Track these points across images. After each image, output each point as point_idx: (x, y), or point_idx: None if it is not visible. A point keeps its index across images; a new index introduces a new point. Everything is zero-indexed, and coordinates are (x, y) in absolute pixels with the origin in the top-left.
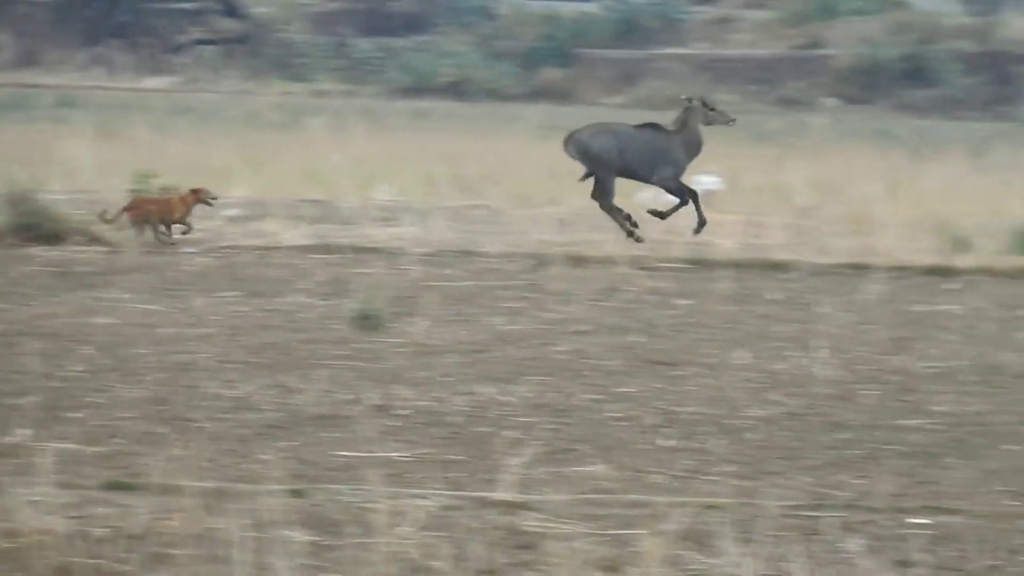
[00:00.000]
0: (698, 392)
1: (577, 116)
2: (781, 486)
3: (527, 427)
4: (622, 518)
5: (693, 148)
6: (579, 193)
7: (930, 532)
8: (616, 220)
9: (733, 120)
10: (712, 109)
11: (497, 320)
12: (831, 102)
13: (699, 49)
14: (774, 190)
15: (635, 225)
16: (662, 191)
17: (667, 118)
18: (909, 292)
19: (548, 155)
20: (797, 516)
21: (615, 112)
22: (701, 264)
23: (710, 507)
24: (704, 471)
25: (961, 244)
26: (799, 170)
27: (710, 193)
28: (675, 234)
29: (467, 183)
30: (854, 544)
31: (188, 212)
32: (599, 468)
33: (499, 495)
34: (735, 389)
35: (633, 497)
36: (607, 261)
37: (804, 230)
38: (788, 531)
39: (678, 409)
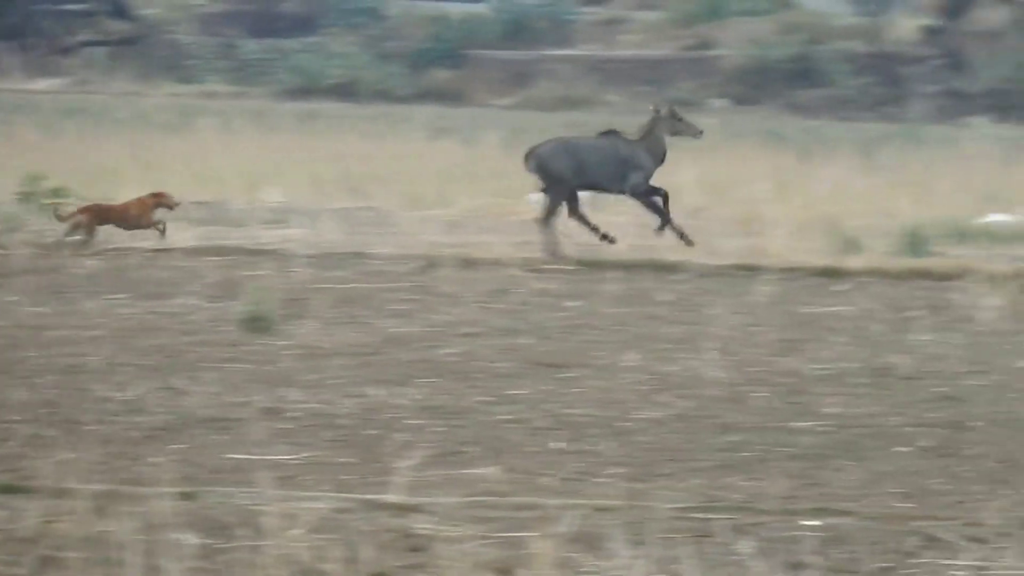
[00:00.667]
0: (588, 394)
1: (466, 117)
2: (672, 488)
3: (417, 429)
4: (513, 520)
5: (657, 156)
6: (468, 195)
7: (821, 534)
8: (546, 236)
9: (700, 132)
10: (679, 120)
11: (387, 322)
12: (720, 103)
13: (588, 50)
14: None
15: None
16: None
17: (558, 119)
18: (799, 293)
19: (437, 156)
20: (688, 518)
21: (504, 113)
22: (590, 266)
23: (601, 509)
24: (594, 473)
25: (851, 245)
26: (688, 171)
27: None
28: (563, 236)
29: (356, 184)
30: (745, 546)
31: (148, 215)
32: (489, 470)
33: (389, 497)
34: (625, 391)
35: (524, 499)
36: (496, 263)
37: (693, 231)
38: (679, 533)
39: (568, 411)
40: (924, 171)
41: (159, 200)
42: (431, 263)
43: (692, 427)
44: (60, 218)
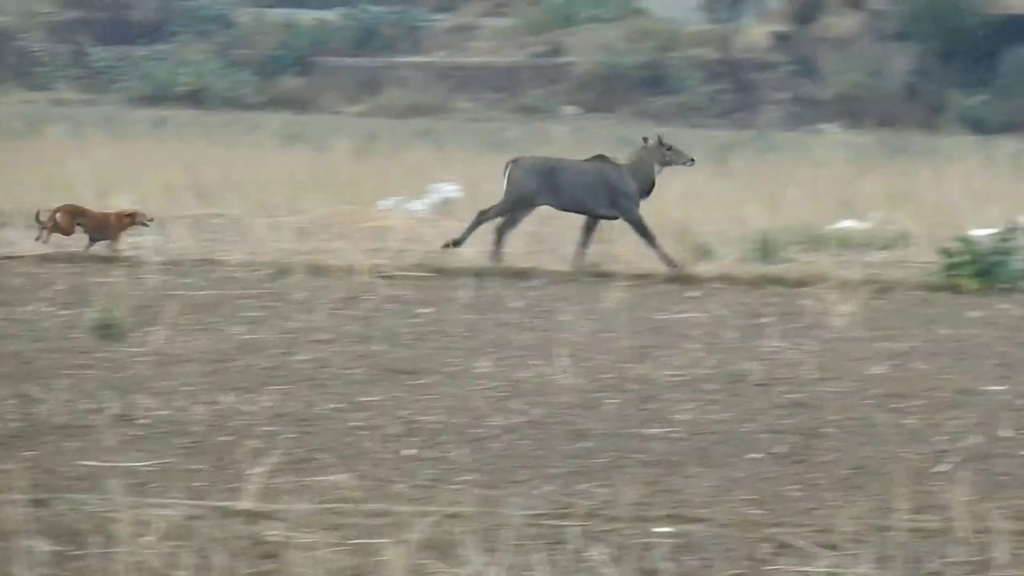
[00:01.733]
0: (440, 401)
1: (317, 124)
2: (524, 495)
3: (269, 436)
4: (365, 527)
5: (644, 185)
6: (319, 202)
7: (674, 541)
8: (469, 230)
9: (691, 160)
10: (669, 149)
11: (238, 329)
12: (571, 110)
13: (438, 57)
14: None
15: (455, 244)
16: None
17: (409, 126)
18: (651, 300)
19: (288, 163)
20: (541, 525)
21: (354, 120)
22: (442, 272)
23: (453, 516)
24: (447, 480)
25: (702, 252)
26: None
27: (449, 200)
28: (416, 243)
29: (207, 192)
30: (598, 553)
31: (123, 230)
32: (342, 477)
33: (242, 504)
34: (477, 398)
35: (376, 506)
36: (348, 270)
37: (545, 238)
38: (532, 540)
39: (420, 418)
40: (775, 178)
41: (134, 218)
42: (282, 270)
43: (545, 434)
44: (41, 222)
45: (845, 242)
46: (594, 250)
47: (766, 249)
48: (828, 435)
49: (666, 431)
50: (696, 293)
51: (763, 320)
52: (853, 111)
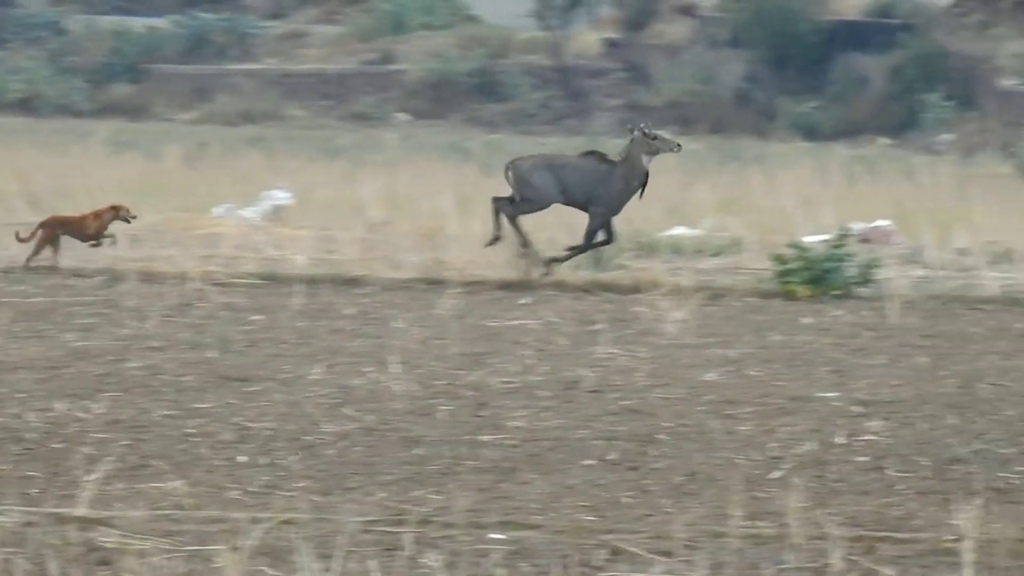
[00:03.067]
0: (273, 408)
1: (148, 132)
2: (358, 501)
3: (103, 443)
4: (199, 534)
5: (635, 178)
6: (151, 209)
7: (508, 547)
8: (498, 225)
9: (678, 147)
10: (654, 138)
11: (71, 336)
12: (403, 117)
13: (269, 64)
14: (346, 205)
15: (550, 265)
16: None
17: (240, 133)
18: (483, 307)
19: (120, 171)
20: (375, 531)
21: (186, 128)
22: (274, 279)
23: (287, 523)
24: (281, 487)
25: (535, 259)
26: (371, 185)
27: (280, 208)
28: (249, 250)
29: (38, 199)
30: (432, 559)
31: (104, 227)
32: (175, 484)
33: (76, 511)
34: (310, 405)
35: (210, 513)
36: (181, 277)
37: (377, 245)
38: (366, 547)
39: (253, 425)
40: None
41: (117, 212)
42: (115, 277)
43: (378, 440)
44: (21, 240)
45: (677, 249)
46: (432, 257)
47: (598, 256)
48: (661, 442)
49: (499, 438)
50: (528, 300)
51: (596, 327)
52: (685, 118)
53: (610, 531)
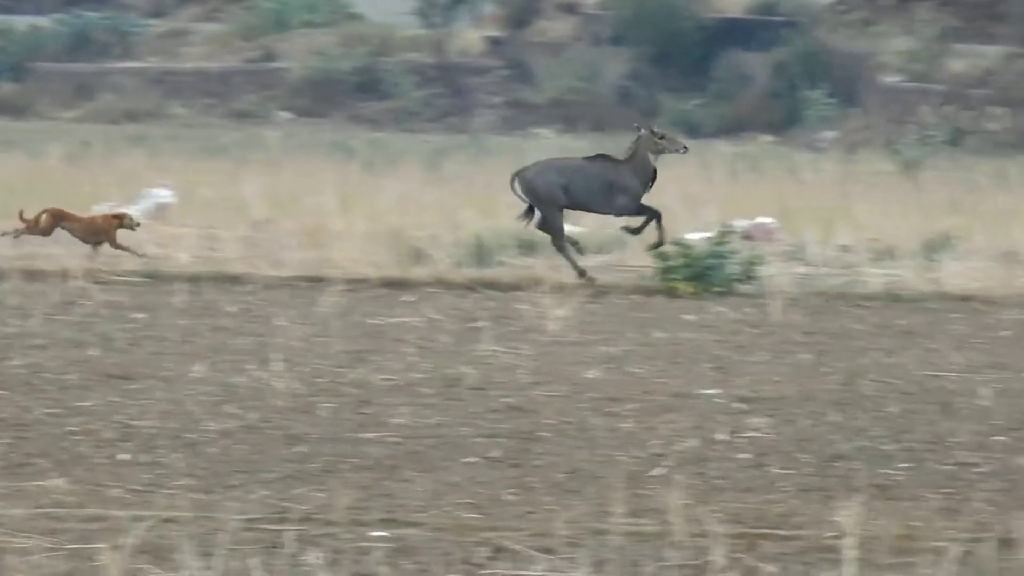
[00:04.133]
0: (155, 406)
1: (31, 130)
2: (240, 499)
3: None
4: (81, 532)
5: (644, 176)
6: (34, 208)
7: (390, 545)
8: (567, 258)
9: (685, 148)
10: (661, 138)
11: None
12: (285, 115)
13: (152, 63)
14: (228, 203)
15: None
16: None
17: (123, 131)
18: (366, 304)
19: (1, 169)
20: (257, 529)
21: (69, 126)
22: (157, 278)
23: (169, 521)
24: (163, 485)
25: (417, 256)
26: (253, 183)
27: (163, 206)
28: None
29: None
30: (314, 557)
31: (112, 235)
32: (57, 482)
33: None
34: (193, 403)
35: (92, 511)
36: (63, 275)
37: (260, 243)
38: (248, 544)
39: (136, 423)
40: (490, 182)
41: (121, 221)
42: None
43: (260, 438)
44: (24, 221)
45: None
46: (317, 255)
47: (480, 253)
48: (544, 439)
49: (382, 435)
50: (411, 297)
51: (478, 324)
52: (567, 115)
53: (492, 528)
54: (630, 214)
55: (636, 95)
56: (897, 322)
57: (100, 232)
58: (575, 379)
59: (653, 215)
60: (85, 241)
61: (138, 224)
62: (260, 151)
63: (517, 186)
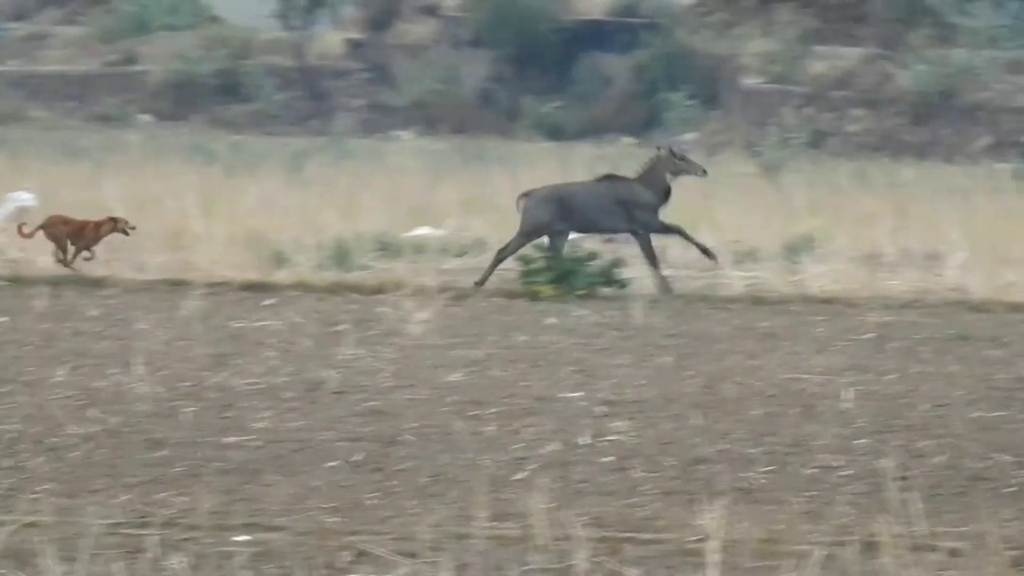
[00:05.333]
0: (17, 410)
1: None
2: (103, 504)
3: None
4: None
5: (658, 194)
6: None
7: (252, 549)
8: (490, 269)
9: (704, 172)
10: (681, 159)
11: None
12: (146, 118)
13: (12, 66)
14: (90, 206)
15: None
16: None
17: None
18: (228, 308)
19: None
20: (119, 534)
21: None
22: (16, 281)
23: (31, 525)
24: (24, 489)
25: (278, 260)
26: (114, 186)
27: (24, 210)
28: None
29: None
30: (177, 562)
31: (100, 238)
32: None
33: None
34: (54, 407)
35: None
36: None
37: (121, 246)
38: (111, 549)
39: None
40: (351, 185)
41: (115, 224)
42: None
43: (122, 443)
44: (24, 235)
45: (421, 249)
46: (178, 258)
47: (342, 256)
48: (406, 443)
49: (243, 439)
50: (272, 301)
51: (340, 328)
52: (428, 118)
53: (354, 533)
54: (655, 230)
55: (497, 97)
56: (759, 325)
57: (91, 237)
58: (437, 383)
59: (676, 231)
60: (77, 246)
61: (133, 228)
62: (121, 154)
63: (520, 204)
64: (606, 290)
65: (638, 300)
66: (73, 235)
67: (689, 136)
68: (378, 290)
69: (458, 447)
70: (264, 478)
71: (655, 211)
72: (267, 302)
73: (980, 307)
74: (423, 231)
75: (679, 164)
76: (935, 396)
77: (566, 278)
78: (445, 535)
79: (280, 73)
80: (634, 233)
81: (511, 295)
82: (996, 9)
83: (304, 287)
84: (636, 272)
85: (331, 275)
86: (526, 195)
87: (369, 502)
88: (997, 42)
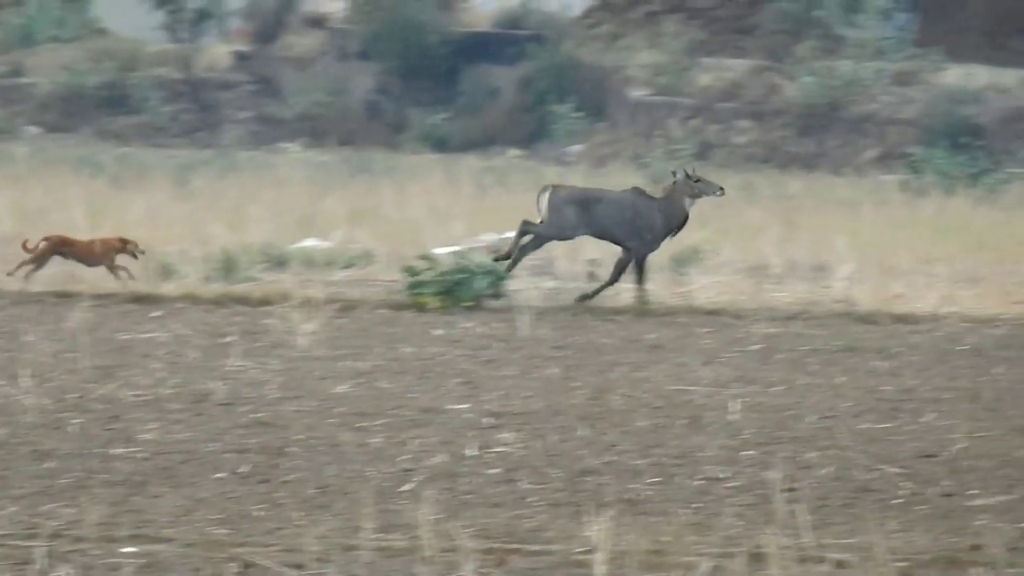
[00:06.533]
0: None
1: None
2: None
3: None
4: None
5: (671, 219)
6: None
7: (140, 561)
8: (515, 256)
9: (721, 190)
10: (697, 181)
11: None
12: (33, 130)
13: None
14: None
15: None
16: None
17: None
18: (115, 320)
19: None
20: (6, 546)
21: None
22: None
23: None
24: None
25: (165, 272)
26: (1, 198)
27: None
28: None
29: None
30: (64, 573)
31: (111, 257)
32: None
33: None
34: None
35: None
36: None
37: (7, 258)
38: None
39: None
40: (238, 197)
41: (125, 246)
42: None
43: (9, 455)
44: (27, 250)
45: (308, 261)
46: (64, 270)
47: (229, 268)
48: (293, 454)
49: (130, 451)
50: (159, 313)
51: (227, 339)
52: (315, 130)
53: (242, 544)
54: (641, 256)
55: (384, 109)
56: (646, 336)
57: (98, 256)
58: (324, 394)
59: (640, 277)
60: (88, 265)
61: (142, 252)
62: (8, 166)
63: (543, 198)
64: (493, 302)
65: (525, 312)
66: (84, 254)
67: (576, 148)
68: (265, 302)
69: (345, 459)
70: (151, 490)
71: (660, 239)
72: (154, 314)
73: (867, 318)
74: (310, 243)
75: (696, 187)
76: (822, 407)
77: (453, 290)
78: (332, 547)
79: (167, 85)
80: (628, 249)
81: (397, 307)
82: (883, 21)
83: (191, 299)
84: (522, 284)
85: (218, 287)
86: (551, 189)
87: (256, 514)
88: (884, 54)
